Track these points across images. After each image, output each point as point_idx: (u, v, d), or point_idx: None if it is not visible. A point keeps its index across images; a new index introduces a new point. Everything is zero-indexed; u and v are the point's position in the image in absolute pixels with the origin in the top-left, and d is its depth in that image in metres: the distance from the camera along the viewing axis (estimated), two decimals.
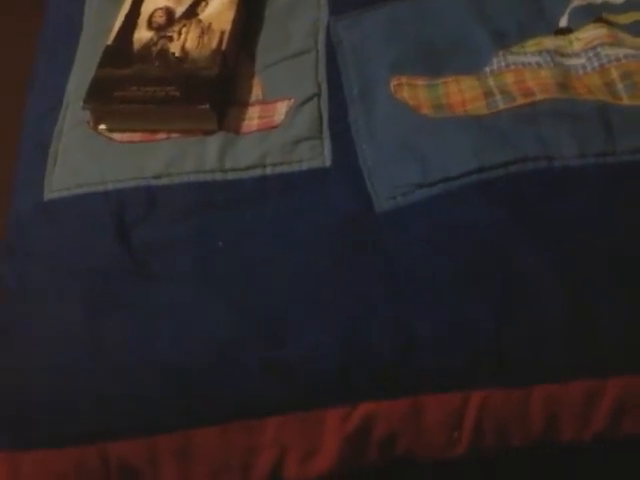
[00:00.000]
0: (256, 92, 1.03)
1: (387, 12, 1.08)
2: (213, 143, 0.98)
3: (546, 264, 0.83)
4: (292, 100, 1.01)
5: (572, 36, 1.03)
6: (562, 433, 0.80)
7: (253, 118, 1.00)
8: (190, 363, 0.82)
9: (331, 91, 1.02)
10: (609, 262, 0.83)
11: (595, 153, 0.90)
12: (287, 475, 0.81)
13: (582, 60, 1.00)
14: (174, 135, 0.99)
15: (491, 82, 0.99)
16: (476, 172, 0.90)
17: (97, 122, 1.01)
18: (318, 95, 1.02)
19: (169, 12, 1.09)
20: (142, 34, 1.06)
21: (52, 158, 1.01)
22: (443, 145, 0.93)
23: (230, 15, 1.07)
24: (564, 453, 0.82)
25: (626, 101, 0.95)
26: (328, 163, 0.95)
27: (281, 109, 1.00)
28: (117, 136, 1.00)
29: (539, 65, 0.99)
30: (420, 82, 1.00)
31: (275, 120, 1.00)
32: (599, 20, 1.03)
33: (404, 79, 1.01)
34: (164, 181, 0.96)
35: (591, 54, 0.99)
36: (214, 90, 0.99)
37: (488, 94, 0.97)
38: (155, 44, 1.05)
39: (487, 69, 1.00)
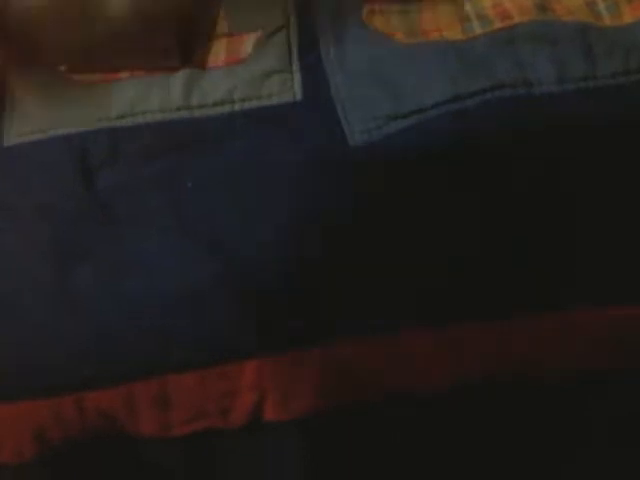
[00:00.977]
0: (221, 25, 1.00)
1: None
2: (178, 80, 0.95)
3: None
4: (260, 32, 0.98)
5: None
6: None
7: (219, 52, 0.98)
8: (163, 307, 0.81)
9: (300, 21, 0.99)
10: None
11: (575, 78, 0.88)
12: (267, 417, 0.81)
13: None
14: (137, 73, 0.96)
15: (468, 7, 0.96)
16: (451, 101, 0.87)
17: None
18: (287, 26, 0.99)
19: None
20: None
21: (9, 104, 0.98)
22: (417, 73, 0.90)
23: None
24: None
25: (607, 21, 0.92)
26: (299, 97, 0.93)
27: (249, 42, 0.98)
28: (77, 77, 0.97)
29: None
30: (394, 8, 0.98)
31: (242, 54, 0.97)
32: None
33: (377, 6, 0.98)
34: (128, 121, 0.93)
35: None
36: (177, 24, 0.96)
37: (464, 19, 0.95)
38: None
39: None
